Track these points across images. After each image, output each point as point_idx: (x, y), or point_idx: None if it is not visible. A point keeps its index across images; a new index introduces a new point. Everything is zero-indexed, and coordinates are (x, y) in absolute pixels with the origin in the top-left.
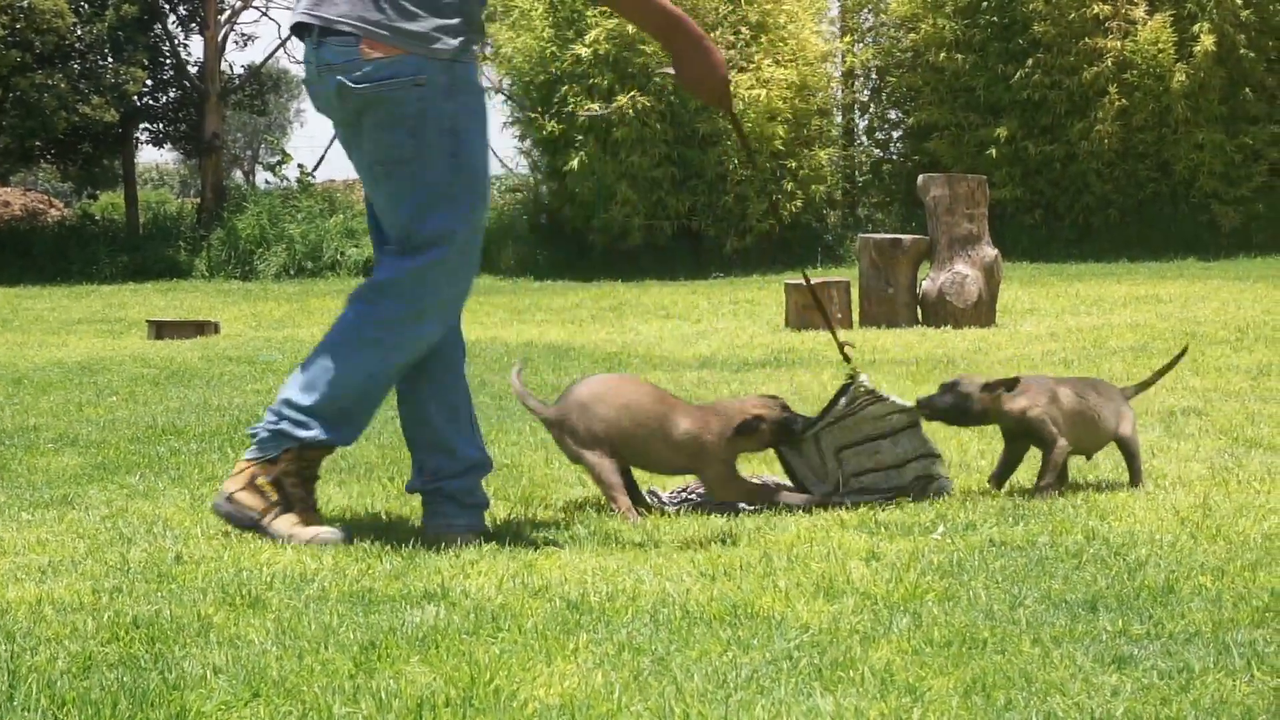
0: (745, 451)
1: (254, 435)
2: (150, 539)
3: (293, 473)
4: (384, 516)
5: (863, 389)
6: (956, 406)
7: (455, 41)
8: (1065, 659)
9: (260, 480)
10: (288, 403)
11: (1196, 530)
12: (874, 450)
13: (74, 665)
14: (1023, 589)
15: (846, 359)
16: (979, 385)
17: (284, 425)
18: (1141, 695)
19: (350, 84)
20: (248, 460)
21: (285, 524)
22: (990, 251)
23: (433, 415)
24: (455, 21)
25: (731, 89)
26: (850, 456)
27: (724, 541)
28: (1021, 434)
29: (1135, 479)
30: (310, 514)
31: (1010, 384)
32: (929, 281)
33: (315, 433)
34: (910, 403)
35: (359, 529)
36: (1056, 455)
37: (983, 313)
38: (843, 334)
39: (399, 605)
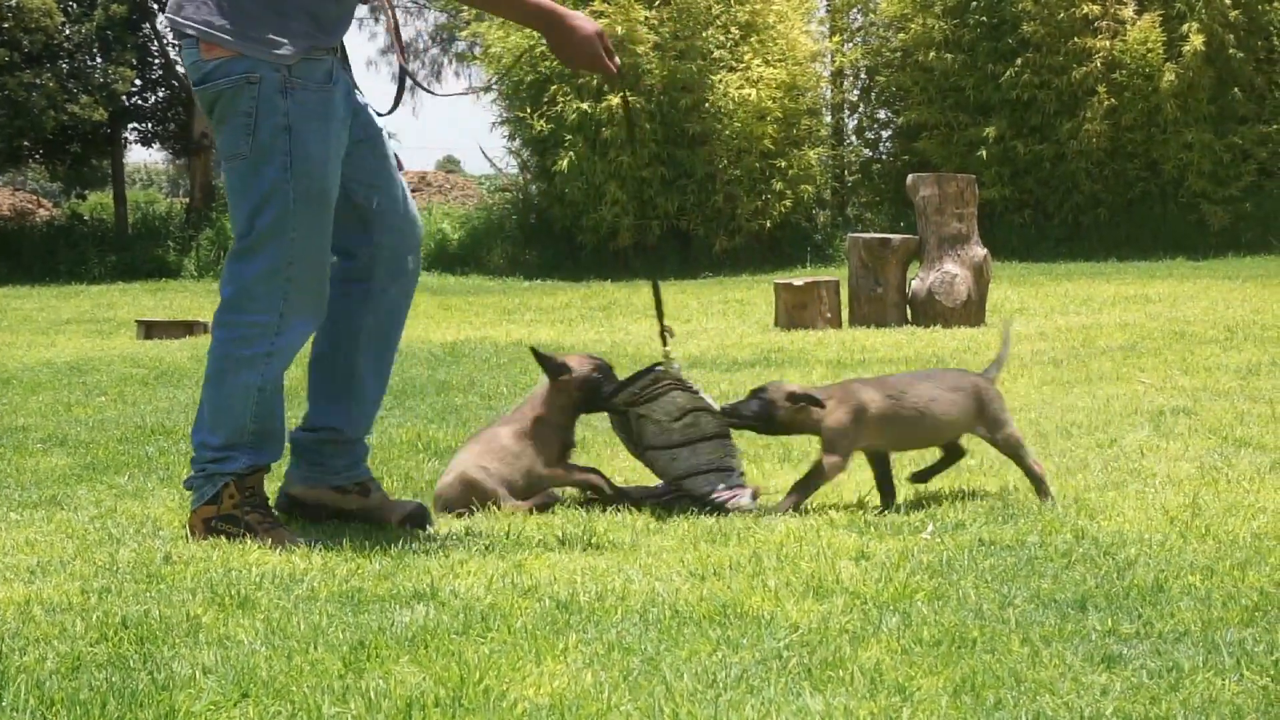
0: (564, 412)
1: (190, 487)
2: (139, 539)
3: (239, 502)
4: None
5: (669, 375)
6: (761, 415)
7: (295, 43)
8: (1055, 658)
9: (215, 522)
10: (202, 445)
11: (1186, 529)
12: (672, 458)
13: (63, 666)
14: (1012, 588)
15: (665, 340)
16: (785, 394)
17: (209, 468)
18: (1131, 694)
19: (194, 86)
20: (194, 510)
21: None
22: (979, 251)
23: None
24: (298, 23)
25: (607, 48)
26: (654, 458)
27: (713, 541)
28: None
29: (1036, 486)
30: (279, 532)
31: (817, 402)
32: (918, 281)
33: (241, 461)
34: (717, 405)
35: (347, 530)
36: (825, 475)
37: (972, 312)
38: (832, 334)
39: (388, 605)
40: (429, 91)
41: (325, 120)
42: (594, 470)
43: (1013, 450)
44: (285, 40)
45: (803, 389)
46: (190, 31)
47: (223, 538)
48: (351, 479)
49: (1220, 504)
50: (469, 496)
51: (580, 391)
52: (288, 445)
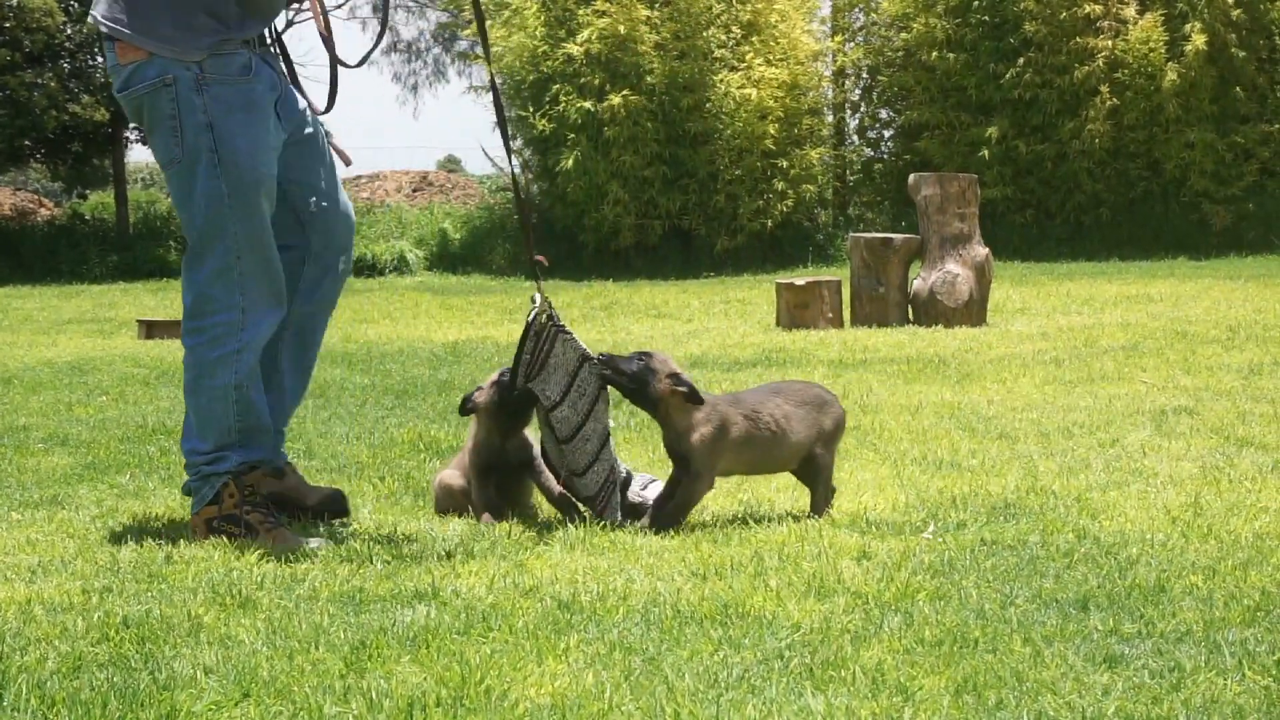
0: (491, 434)
1: (188, 492)
2: (140, 539)
3: (240, 501)
4: (374, 516)
5: (545, 315)
6: (637, 378)
7: (200, 39)
8: (1056, 658)
9: (216, 523)
10: (193, 452)
11: (1188, 529)
12: (585, 439)
13: (64, 665)
14: (1014, 588)
15: (537, 276)
16: (669, 371)
17: (203, 470)
18: (1133, 694)
19: (116, 93)
20: (195, 513)
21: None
22: (981, 251)
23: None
24: (199, 19)
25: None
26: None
27: (715, 541)
28: (672, 452)
29: (816, 506)
30: (280, 532)
31: (695, 396)
32: (920, 281)
33: (233, 460)
34: (592, 352)
35: (349, 529)
36: (694, 496)
37: (974, 312)
38: (834, 334)
39: (390, 605)
40: (346, 65)
41: (247, 111)
42: (495, 504)
43: (825, 469)
44: (189, 36)
45: (688, 378)
46: (104, 29)
47: (224, 538)
48: (271, 464)
49: (1222, 504)
50: (448, 503)
51: (492, 414)
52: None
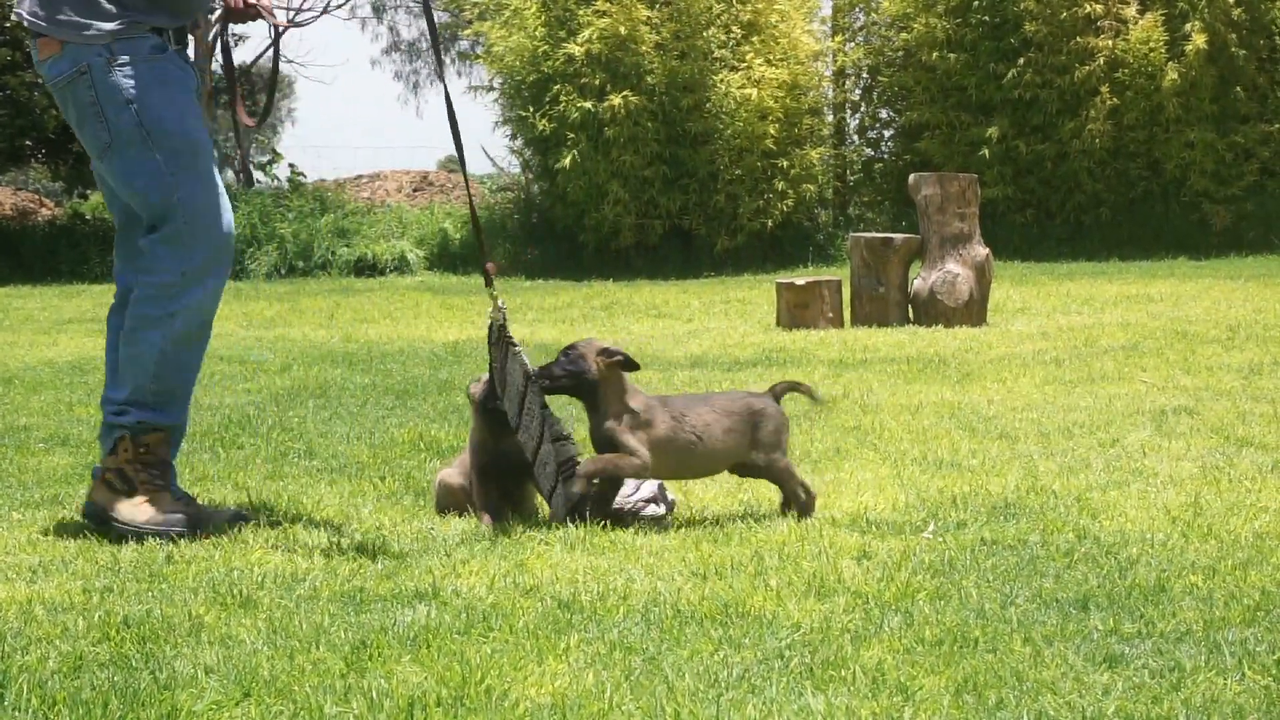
0: (479, 431)
1: (99, 441)
2: (141, 538)
3: (132, 459)
4: (375, 516)
5: (499, 324)
6: (572, 373)
7: (109, 25)
8: (1057, 658)
9: (108, 475)
10: (107, 400)
11: (1188, 529)
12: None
13: (65, 665)
14: (1014, 588)
15: (488, 282)
16: (597, 349)
17: (109, 419)
18: (1133, 694)
19: (48, 86)
20: (101, 466)
21: (127, 509)
22: (981, 250)
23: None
24: (105, 5)
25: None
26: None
27: (715, 541)
28: (598, 439)
29: (789, 504)
30: (161, 495)
31: (629, 363)
32: (920, 280)
33: (135, 417)
34: (531, 367)
35: (350, 529)
36: (623, 465)
37: (974, 312)
38: (834, 333)
39: (390, 605)
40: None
41: (164, 84)
42: (495, 505)
43: (781, 474)
44: (95, 21)
45: (619, 349)
46: (25, 23)
47: (106, 490)
48: (226, 514)
49: (1222, 503)
50: (448, 501)
51: (482, 410)
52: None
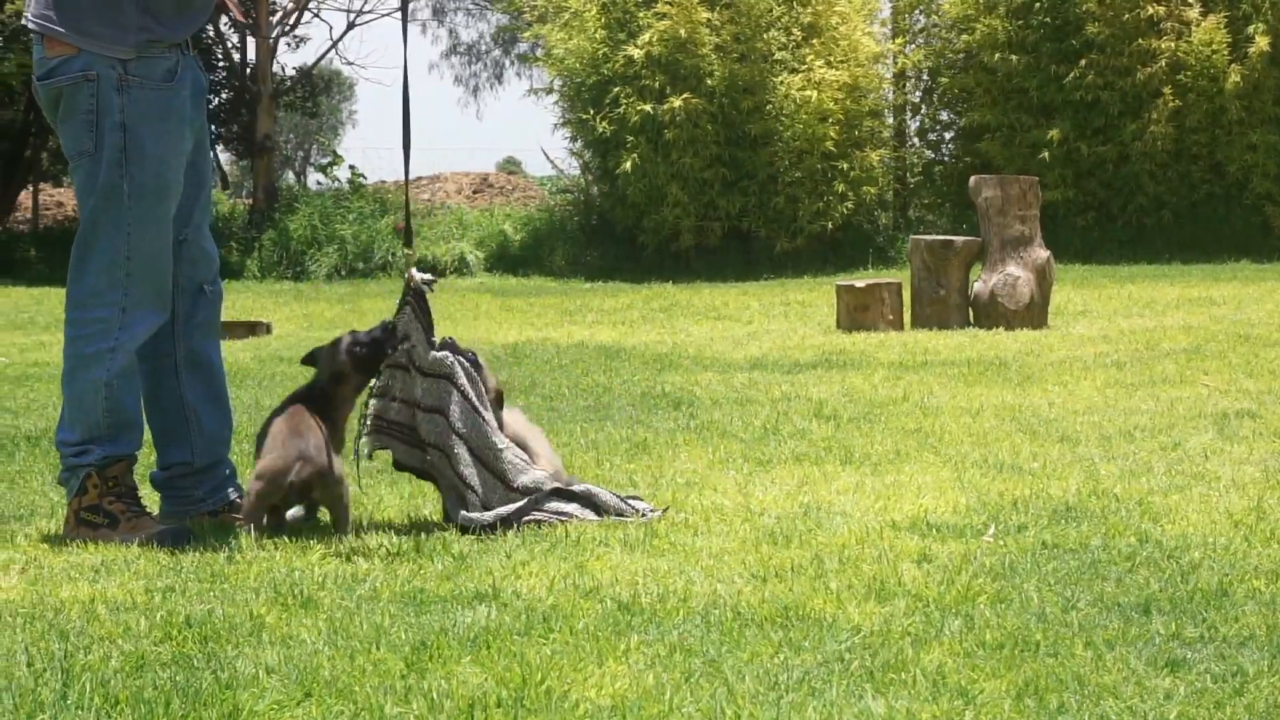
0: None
1: (62, 483)
2: (203, 538)
3: (104, 492)
4: (435, 517)
5: (411, 300)
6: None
7: (129, 37)
8: (1118, 662)
9: (84, 514)
10: (63, 444)
11: (1250, 533)
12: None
13: (127, 664)
14: (1075, 591)
15: (407, 243)
16: (492, 375)
17: (70, 461)
18: (1195, 699)
19: (37, 82)
20: (68, 505)
21: (119, 539)
22: (1042, 253)
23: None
24: (131, 16)
25: None
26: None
27: (775, 543)
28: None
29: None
30: (142, 520)
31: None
32: (981, 283)
33: (96, 453)
34: (446, 355)
35: (410, 530)
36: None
37: (1035, 314)
38: (894, 336)
39: (450, 606)
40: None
41: (163, 118)
42: None
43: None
44: (120, 34)
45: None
46: (33, 27)
47: (88, 528)
48: (219, 502)
49: None
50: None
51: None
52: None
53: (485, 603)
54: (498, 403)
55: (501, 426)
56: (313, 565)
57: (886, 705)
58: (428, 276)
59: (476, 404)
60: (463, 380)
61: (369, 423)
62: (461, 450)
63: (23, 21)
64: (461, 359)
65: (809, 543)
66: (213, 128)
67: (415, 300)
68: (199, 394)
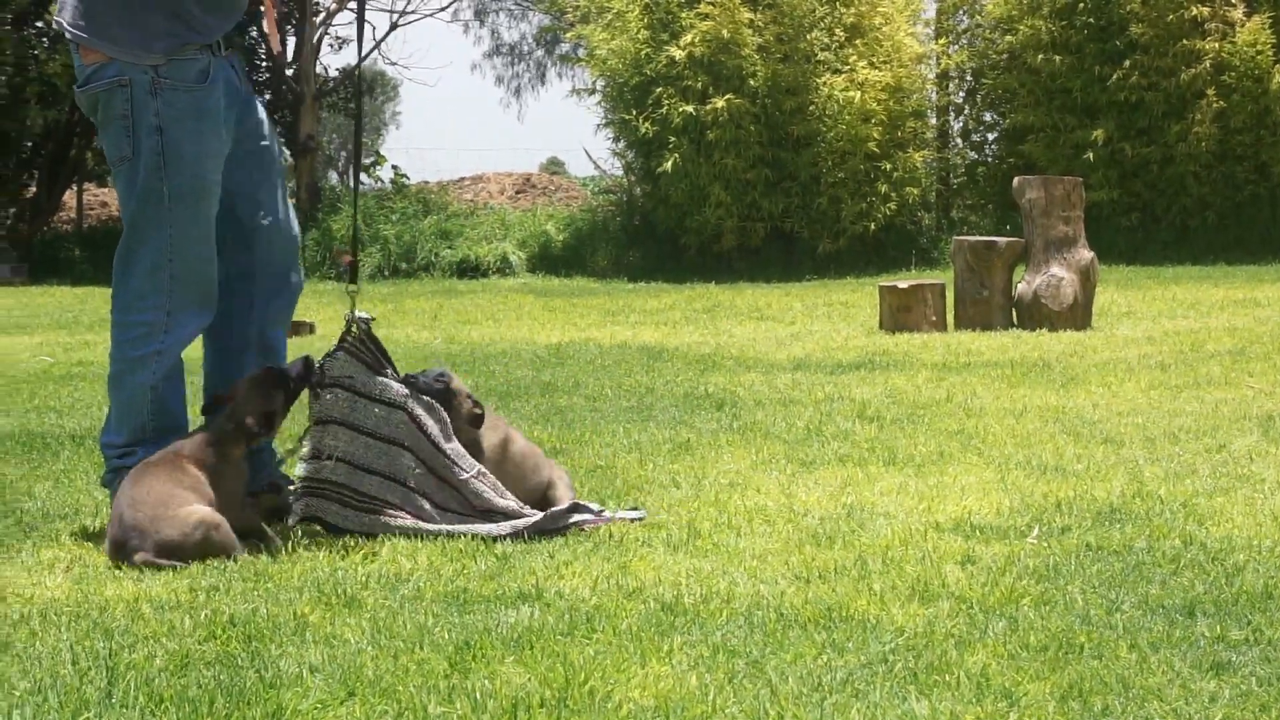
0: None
1: (106, 485)
2: (248, 538)
3: None
4: None
5: (356, 335)
6: (440, 398)
7: (158, 42)
8: (1163, 665)
9: None
10: (108, 446)
11: None
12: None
13: (171, 663)
14: (1120, 594)
15: (353, 278)
16: (466, 393)
17: (115, 464)
18: (1240, 701)
19: (77, 89)
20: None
21: None
22: (1086, 254)
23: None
24: (159, 21)
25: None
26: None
27: (818, 544)
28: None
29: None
30: None
31: (479, 420)
32: (1024, 284)
33: (142, 456)
34: (400, 387)
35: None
36: None
37: (1078, 316)
38: (937, 337)
39: (494, 606)
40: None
41: (198, 119)
42: None
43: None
44: (147, 40)
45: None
46: (68, 36)
47: None
48: (262, 482)
49: None
50: None
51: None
52: None
53: (528, 603)
54: (474, 424)
55: (479, 454)
56: (356, 565)
57: (930, 707)
58: (364, 315)
59: (436, 438)
60: (419, 413)
61: (299, 486)
62: (422, 478)
63: (54, 25)
64: (421, 397)
65: (852, 544)
66: None
67: (359, 341)
68: None
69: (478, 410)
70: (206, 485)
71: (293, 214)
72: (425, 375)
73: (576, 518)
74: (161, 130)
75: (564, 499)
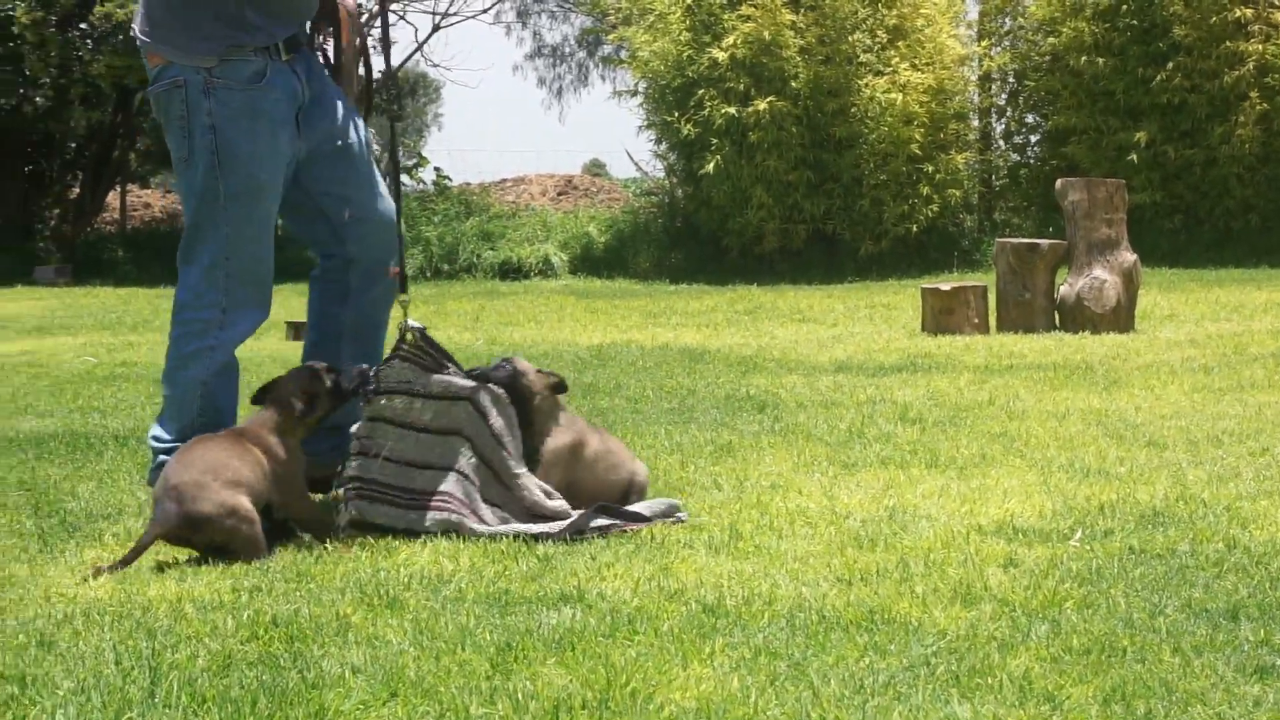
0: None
1: (150, 482)
2: (290, 538)
3: None
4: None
5: (413, 342)
6: (510, 385)
7: (209, 44)
8: (1206, 668)
9: None
10: (155, 439)
11: None
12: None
13: (214, 663)
14: (1163, 597)
15: (403, 288)
16: (536, 370)
17: (161, 459)
18: None
19: (146, 91)
20: None
21: None
22: (1129, 256)
23: None
24: (207, 23)
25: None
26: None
27: (860, 546)
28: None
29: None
30: None
31: (561, 385)
32: (1067, 286)
33: None
34: (465, 381)
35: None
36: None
37: (1121, 318)
38: (980, 339)
39: (535, 607)
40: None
41: (253, 119)
42: None
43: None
44: (199, 43)
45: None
46: (138, 41)
47: None
48: (332, 460)
49: None
50: None
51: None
52: None
53: (570, 604)
54: (558, 390)
55: (538, 450)
56: (398, 566)
57: (972, 710)
58: (417, 324)
59: (499, 431)
60: (486, 404)
61: (349, 487)
62: (477, 468)
63: (133, 35)
64: (489, 388)
65: (894, 546)
66: None
67: (415, 348)
68: (355, 361)
69: (554, 378)
70: (265, 465)
71: (389, 206)
72: (490, 366)
73: (599, 522)
74: (215, 129)
75: (630, 499)
